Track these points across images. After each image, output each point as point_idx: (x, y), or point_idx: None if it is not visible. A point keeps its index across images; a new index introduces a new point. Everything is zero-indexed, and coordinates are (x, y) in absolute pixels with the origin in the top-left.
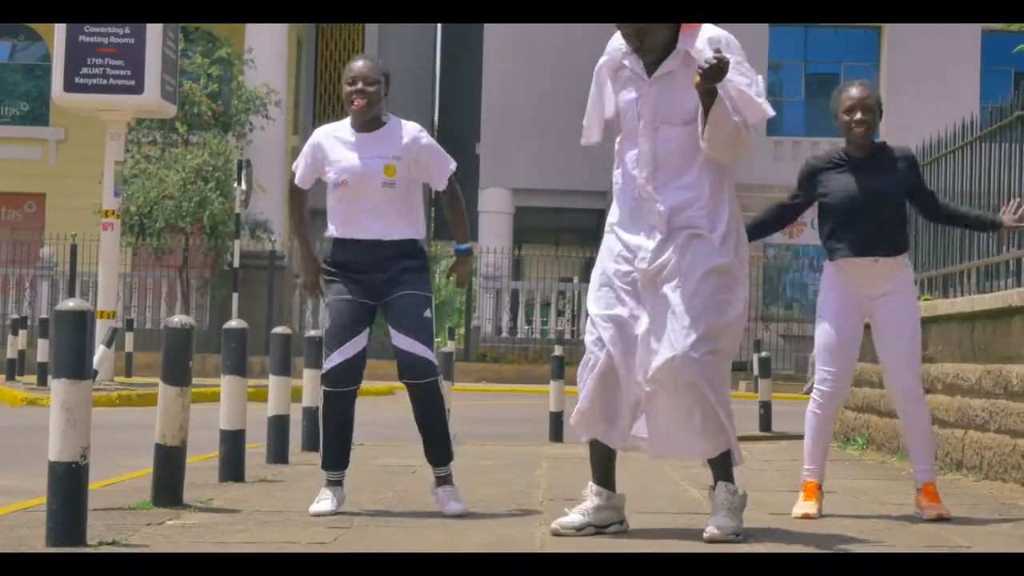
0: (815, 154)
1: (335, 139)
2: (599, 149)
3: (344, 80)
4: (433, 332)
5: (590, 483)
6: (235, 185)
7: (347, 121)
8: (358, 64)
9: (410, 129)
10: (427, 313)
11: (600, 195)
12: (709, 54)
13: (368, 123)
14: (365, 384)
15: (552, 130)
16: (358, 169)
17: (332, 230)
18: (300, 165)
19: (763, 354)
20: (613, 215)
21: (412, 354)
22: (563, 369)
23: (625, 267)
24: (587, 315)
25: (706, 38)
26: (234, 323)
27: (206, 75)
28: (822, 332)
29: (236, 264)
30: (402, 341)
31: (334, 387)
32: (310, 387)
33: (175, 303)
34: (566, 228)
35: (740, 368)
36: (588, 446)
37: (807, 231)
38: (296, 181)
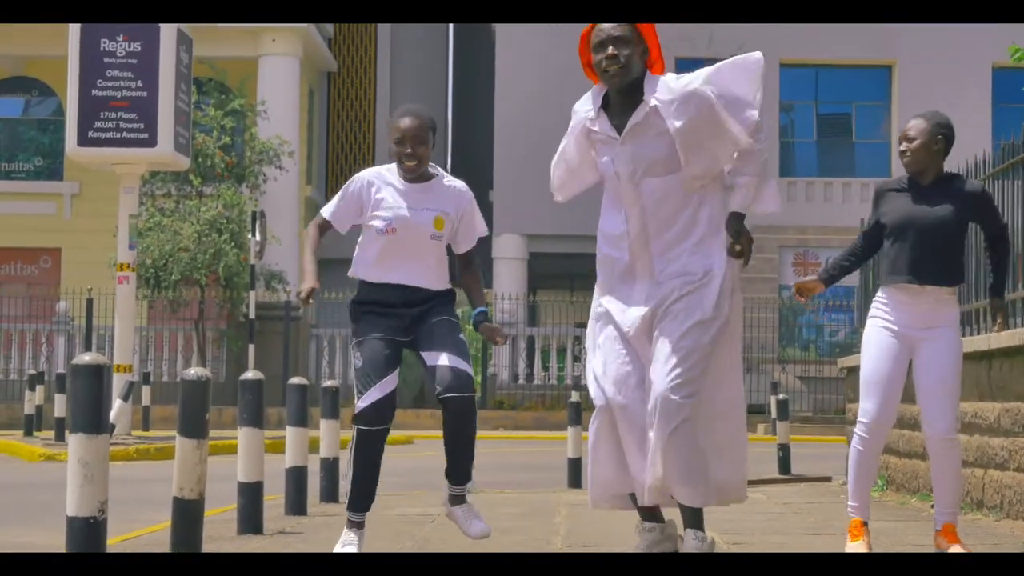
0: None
1: (385, 184)
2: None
3: (391, 137)
4: (469, 353)
5: (639, 522)
6: (249, 236)
7: (393, 167)
8: (406, 122)
9: (460, 186)
10: (461, 336)
11: None
12: (674, 94)
13: (418, 175)
14: None
15: None
16: (409, 220)
17: (365, 274)
18: (337, 205)
19: (780, 396)
20: (601, 286)
21: (452, 368)
22: (580, 415)
23: (619, 330)
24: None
25: (668, 87)
26: (250, 375)
27: (219, 127)
28: (866, 365)
29: (251, 315)
30: (440, 358)
31: (370, 425)
32: (327, 438)
33: (191, 355)
34: (580, 273)
35: (757, 411)
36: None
37: (822, 270)
38: (328, 217)
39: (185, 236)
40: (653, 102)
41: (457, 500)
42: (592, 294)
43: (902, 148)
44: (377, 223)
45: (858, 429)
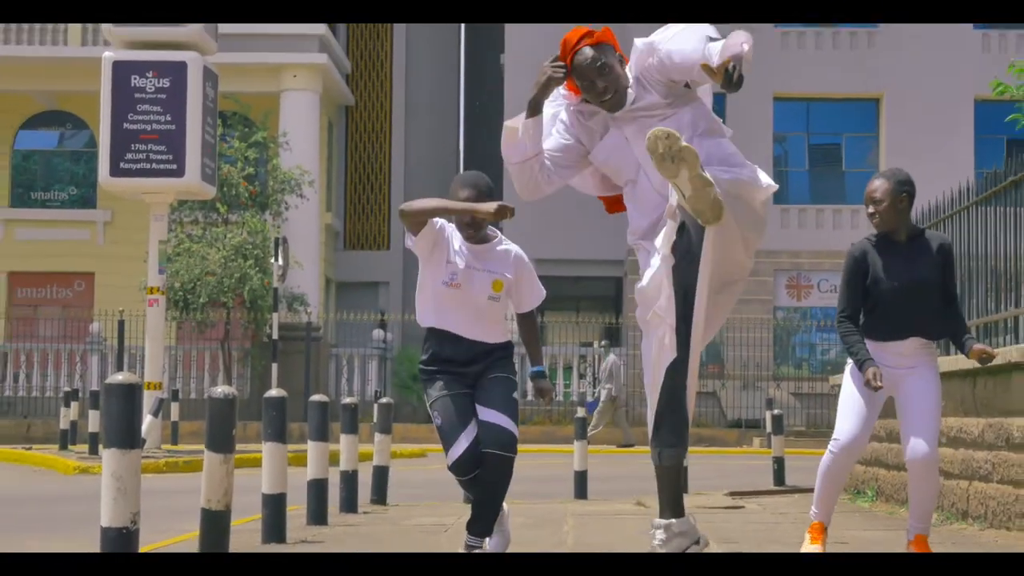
0: (854, 243)
1: (455, 239)
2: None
3: (453, 199)
4: (518, 414)
5: (656, 520)
6: (272, 261)
7: (455, 226)
8: (465, 194)
9: (516, 251)
10: (514, 395)
11: (617, 264)
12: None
13: (478, 239)
14: (397, 447)
15: (570, 204)
16: (470, 280)
17: (429, 319)
18: (426, 234)
19: (775, 411)
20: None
21: (499, 425)
22: (586, 430)
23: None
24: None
25: (637, 52)
26: (274, 392)
27: (243, 158)
28: (847, 393)
29: (275, 336)
30: (490, 415)
31: (466, 475)
32: (346, 452)
33: (217, 374)
34: (586, 295)
35: (753, 425)
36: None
37: (814, 292)
38: (416, 239)
39: (212, 261)
40: (636, 76)
41: (471, 548)
42: (596, 315)
43: (870, 211)
44: (443, 275)
45: (831, 445)
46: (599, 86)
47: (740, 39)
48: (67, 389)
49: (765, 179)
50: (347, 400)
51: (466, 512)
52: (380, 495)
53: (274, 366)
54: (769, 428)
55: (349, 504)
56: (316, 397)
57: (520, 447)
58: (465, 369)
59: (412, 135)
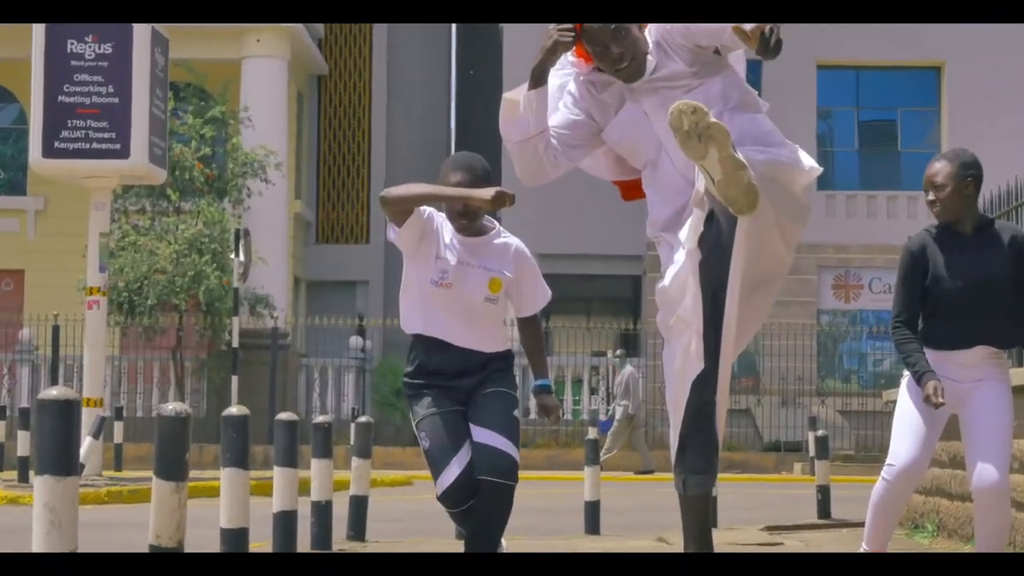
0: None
1: (445, 231)
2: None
3: (444, 184)
4: (519, 435)
5: None
6: (232, 257)
7: (445, 215)
8: (458, 178)
9: (516, 244)
10: (515, 412)
11: (635, 260)
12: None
13: (473, 230)
14: (377, 473)
15: (580, 189)
16: (462, 278)
17: (415, 324)
18: (411, 225)
19: (819, 433)
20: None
21: (496, 448)
22: (598, 454)
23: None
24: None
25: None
26: (234, 409)
27: (198, 136)
28: (904, 408)
29: (235, 344)
30: (486, 436)
31: (457, 507)
32: (319, 479)
33: (168, 388)
34: (598, 297)
35: (794, 449)
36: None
37: (864, 293)
38: (399, 230)
39: (161, 257)
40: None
41: None
42: (611, 320)
43: (930, 198)
44: (432, 273)
45: (885, 472)
46: (614, 52)
47: None
48: None
49: (807, 161)
50: (320, 419)
51: (458, 550)
52: (358, 530)
53: (234, 379)
54: (812, 452)
55: (322, 540)
56: (283, 415)
57: (521, 473)
58: (457, 383)
59: (396, 110)
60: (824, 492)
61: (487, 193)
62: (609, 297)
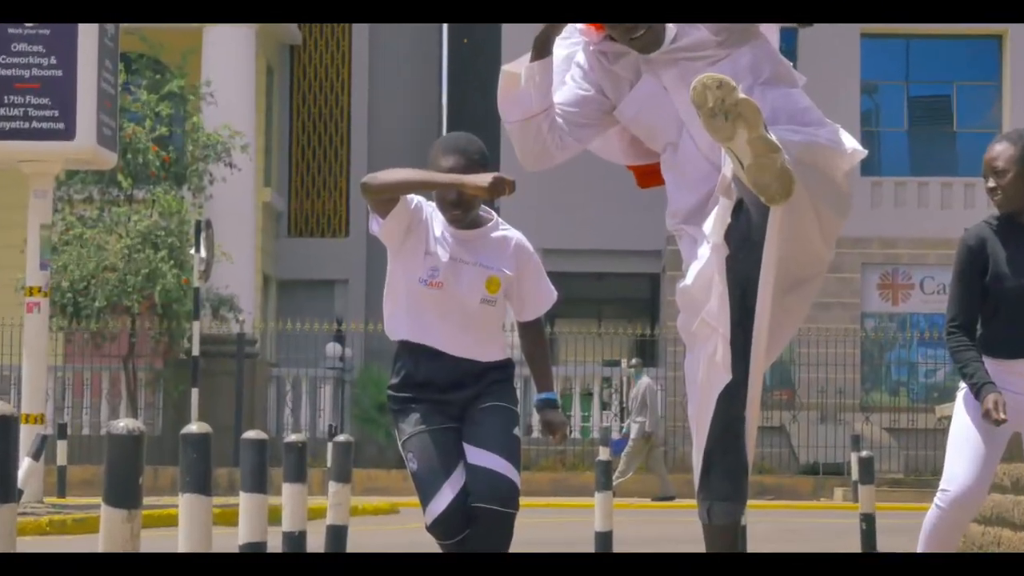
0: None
1: (436, 223)
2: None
3: (434, 170)
4: (520, 456)
5: None
6: (192, 252)
7: (436, 205)
8: (450, 163)
9: (519, 240)
10: (515, 430)
11: (653, 256)
12: None
13: (467, 223)
14: (358, 500)
15: (590, 175)
16: (456, 277)
17: (401, 330)
18: (397, 216)
19: (864, 453)
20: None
21: (494, 471)
22: (610, 477)
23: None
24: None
25: None
26: (194, 427)
27: (153, 115)
28: (960, 425)
29: (195, 352)
30: (482, 458)
31: (450, 538)
32: (291, 507)
33: (119, 402)
34: (610, 298)
35: (835, 472)
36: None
37: (915, 294)
38: (383, 222)
39: (111, 252)
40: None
41: None
42: (624, 324)
43: (991, 185)
44: (421, 271)
45: (938, 498)
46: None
47: None
48: None
49: (850, 142)
50: (292, 437)
51: None
52: None
53: (194, 392)
54: (856, 475)
55: None
56: (251, 434)
57: (523, 500)
58: (449, 396)
59: (379, 85)
60: (869, 521)
61: (483, 179)
62: (623, 298)
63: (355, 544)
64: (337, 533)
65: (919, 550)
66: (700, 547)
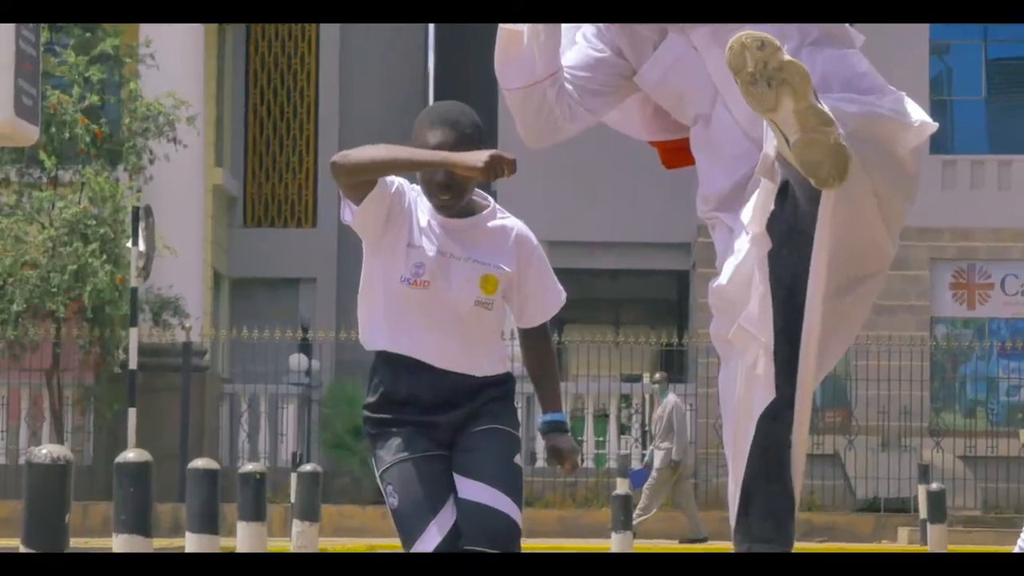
0: None
1: (421, 210)
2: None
3: (419, 147)
4: (522, 489)
5: None
6: (129, 245)
7: (421, 189)
8: (438, 137)
9: (521, 230)
10: (516, 458)
11: (681, 249)
12: None
13: (458, 210)
14: (328, 541)
15: (605, 154)
16: (445, 274)
17: (380, 338)
18: (375, 201)
19: (934, 486)
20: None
21: (489, 507)
22: (630, 514)
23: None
24: None
25: None
26: (131, 454)
27: (82, 80)
28: None
29: (132, 364)
30: (476, 490)
31: None
32: (247, 550)
33: (41, 425)
34: (630, 300)
35: (900, 508)
36: None
37: (995, 295)
38: (357, 208)
39: (32, 245)
40: None
41: None
42: (646, 331)
43: None
44: (403, 268)
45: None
46: None
47: None
48: None
49: (917, 114)
50: (249, 467)
51: None
52: None
53: (131, 412)
54: (924, 512)
55: None
56: (199, 462)
57: (527, 541)
58: (437, 418)
59: (352, 47)
60: None
61: (478, 158)
62: (645, 300)
63: None
64: None
65: None
66: None
